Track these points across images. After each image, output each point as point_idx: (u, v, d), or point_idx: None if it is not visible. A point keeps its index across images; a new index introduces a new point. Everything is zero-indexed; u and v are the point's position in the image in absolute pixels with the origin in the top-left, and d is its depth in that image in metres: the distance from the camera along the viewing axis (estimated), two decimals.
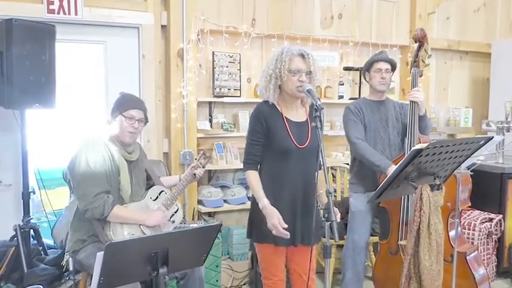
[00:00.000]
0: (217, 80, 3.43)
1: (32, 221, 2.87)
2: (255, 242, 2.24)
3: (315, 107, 1.92)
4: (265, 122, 2.14)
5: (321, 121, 1.90)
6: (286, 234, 2.02)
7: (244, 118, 3.49)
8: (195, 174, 2.55)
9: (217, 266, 3.19)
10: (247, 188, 3.47)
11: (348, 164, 3.32)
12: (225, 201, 3.44)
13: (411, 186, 2.02)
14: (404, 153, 2.62)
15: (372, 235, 2.95)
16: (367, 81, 2.86)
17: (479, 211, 3.57)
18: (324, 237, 1.75)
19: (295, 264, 2.27)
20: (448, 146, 1.91)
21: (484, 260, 3.41)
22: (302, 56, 2.09)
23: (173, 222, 2.50)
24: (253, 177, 2.17)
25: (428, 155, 1.87)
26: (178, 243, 1.75)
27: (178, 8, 3.25)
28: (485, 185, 3.46)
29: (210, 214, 3.49)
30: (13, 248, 2.80)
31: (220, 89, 3.44)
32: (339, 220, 2.14)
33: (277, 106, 2.18)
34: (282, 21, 3.68)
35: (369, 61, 2.82)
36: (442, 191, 2.14)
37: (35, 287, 2.44)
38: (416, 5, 4.09)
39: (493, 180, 3.58)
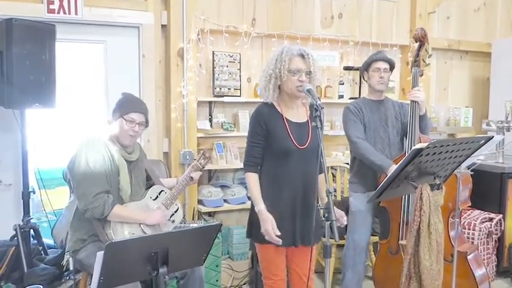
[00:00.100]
0: (217, 79, 3.43)
1: (32, 220, 2.87)
2: (255, 242, 2.24)
3: (315, 106, 1.92)
4: (265, 123, 2.14)
5: (321, 121, 1.90)
6: (278, 241, 2.04)
7: (244, 118, 3.49)
8: (191, 178, 2.55)
9: (217, 266, 3.20)
10: (247, 187, 3.47)
11: (348, 163, 3.32)
12: (225, 201, 3.44)
13: (411, 185, 2.02)
14: (405, 153, 2.62)
15: (372, 235, 2.94)
16: (366, 81, 2.87)
17: (480, 211, 3.57)
18: (324, 237, 1.75)
19: (295, 264, 2.27)
20: (448, 145, 1.91)
21: (484, 259, 3.41)
22: (302, 56, 2.09)
23: (173, 221, 2.50)
24: (252, 179, 2.18)
25: (428, 154, 1.87)
26: (178, 243, 1.75)
27: (179, 7, 3.25)
28: (486, 185, 3.46)
29: (210, 214, 3.49)
30: (13, 248, 2.80)
31: (220, 88, 3.44)
32: (345, 223, 2.15)
33: (277, 107, 2.18)
34: (282, 21, 3.67)
35: (367, 61, 2.82)
36: (442, 190, 2.14)
37: (35, 286, 2.44)
38: (416, 5, 4.09)
39: (493, 179, 3.57)
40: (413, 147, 1.90)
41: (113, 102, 2.38)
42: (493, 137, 2.10)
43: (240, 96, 3.51)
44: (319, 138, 1.87)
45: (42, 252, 2.96)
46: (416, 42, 2.80)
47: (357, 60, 3.91)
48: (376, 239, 3.07)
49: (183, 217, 3.04)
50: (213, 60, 3.42)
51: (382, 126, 2.78)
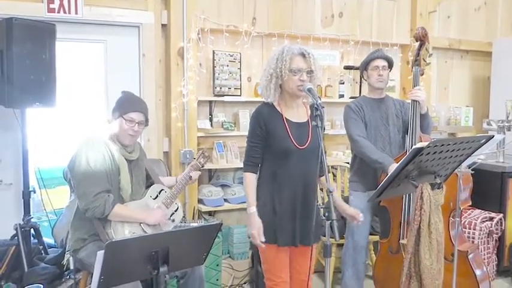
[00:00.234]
0: (217, 79, 3.42)
1: (32, 220, 2.87)
2: None
3: (315, 106, 1.92)
4: (265, 124, 2.14)
5: (321, 120, 1.90)
6: (261, 246, 2.10)
7: (245, 117, 3.49)
8: (190, 176, 2.55)
9: (217, 265, 3.20)
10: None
11: (348, 163, 3.31)
12: (225, 200, 3.44)
13: (412, 185, 2.01)
14: (406, 152, 2.62)
15: (372, 234, 2.94)
16: (365, 80, 2.87)
17: (480, 210, 3.57)
18: (324, 236, 1.75)
19: (295, 263, 2.26)
20: (448, 144, 1.91)
21: (484, 259, 3.40)
22: (303, 55, 2.09)
23: (173, 221, 2.50)
24: (249, 180, 2.19)
25: (429, 153, 1.87)
26: (178, 242, 1.75)
27: (179, 7, 3.24)
28: (486, 184, 3.45)
29: (210, 213, 3.49)
30: (13, 247, 2.80)
31: (220, 88, 3.44)
32: (361, 219, 2.19)
33: (277, 107, 2.17)
34: (282, 20, 3.67)
35: (365, 60, 2.82)
36: (442, 189, 2.14)
37: (36, 286, 2.44)
38: (417, 4, 4.09)
39: (494, 179, 3.57)
40: (413, 147, 1.90)
41: (113, 102, 2.38)
42: (493, 136, 2.10)
43: (240, 95, 3.51)
44: (320, 138, 1.87)
45: (42, 252, 2.96)
46: (417, 41, 2.80)
47: (358, 60, 3.89)
48: (376, 238, 3.06)
49: (183, 216, 3.04)
50: (214, 60, 3.42)
51: (383, 125, 2.78)
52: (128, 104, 2.34)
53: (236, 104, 3.56)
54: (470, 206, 3.11)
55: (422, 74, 2.79)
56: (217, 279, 3.20)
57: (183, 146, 3.32)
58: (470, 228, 3.41)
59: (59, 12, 2.99)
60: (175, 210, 2.52)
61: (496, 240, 3.52)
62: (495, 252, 3.55)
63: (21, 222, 2.81)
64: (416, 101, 2.66)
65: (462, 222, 3.31)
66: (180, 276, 2.37)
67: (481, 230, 3.39)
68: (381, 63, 2.75)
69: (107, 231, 2.24)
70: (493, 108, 4.28)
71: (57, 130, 3.26)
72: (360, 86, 3.95)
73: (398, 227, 2.65)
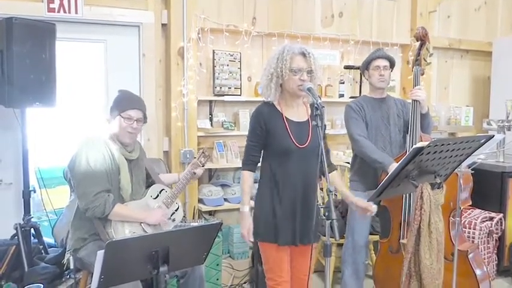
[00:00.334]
0: (217, 78, 3.42)
1: (32, 219, 2.87)
2: (258, 241, 2.23)
3: (315, 105, 1.92)
4: (265, 123, 2.15)
5: (321, 119, 1.90)
6: (249, 243, 2.22)
7: (245, 117, 3.49)
8: (194, 173, 2.55)
9: (217, 265, 3.20)
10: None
11: (348, 162, 3.31)
12: (225, 199, 3.44)
13: (412, 184, 2.01)
14: (406, 152, 2.62)
15: (372, 234, 2.94)
16: (367, 79, 2.86)
17: (480, 210, 3.57)
18: (323, 236, 1.75)
19: (294, 263, 2.27)
20: (448, 144, 1.91)
21: (484, 258, 3.40)
22: (303, 54, 2.09)
23: (173, 220, 2.50)
24: (246, 178, 2.22)
25: (429, 153, 1.87)
26: (178, 242, 1.75)
27: (179, 6, 3.24)
28: (486, 184, 3.45)
29: (210, 213, 3.49)
30: (14, 247, 2.80)
31: (220, 87, 3.44)
32: (375, 212, 2.23)
33: (277, 106, 2.18)
34: (282, 20, 3.67)
35: (367, 59, 2.81)
36: (442, 189, 2.14)
37: (36, 285, 2.44)
38: (417, 4, 4.09)
39: (494, 179, 3.57)
40: (413, 146, 1.90)
41: (112, 101, 2.38)
42: (493, 136, 2.10)
43: (240, 95, 3.51)
44: (320, 137, 1.87)
45: (42, 251, 2.96)
46: (417, 41, 2.79)
47: (358, 59, 3.90)
48: (376, 238, 3.06)
49: (184, 216, 3.04)
50: (214, 59, 3.42)
51: (383, 124, 2.78)
52: (125, 102, 2.34)
53: (236, 104, 3.56)
54: (470, 205, 3.11)
55: (422, 74, 2.79)
56: (217, 279, 3.20)
57: (183, 146, 3.32)
58: (470, 228, 3.41)
59: (59, 11, 2.99)
60: (176, 210, 2.52)
61: (496, 240, 3.52)
62: (495, 252, 3.55)
63: (22, 222, 2.81)
64: (416, 100, 2.66)
65: (462, 222, 3.31)
66: (180, 276, 2.37)
67: (481, 230, 3.39)
68: (382, 63, 2.75)
69: (107, 231, 2.24)
70: (493, 108, 4.28)
71: (57, 130, 3.26)
72: (360, 85, 3.95)
73: (399, 226, 2.65)
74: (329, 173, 2.26)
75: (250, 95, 3.59)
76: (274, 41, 3.60)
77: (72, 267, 2.41)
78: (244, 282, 3.43)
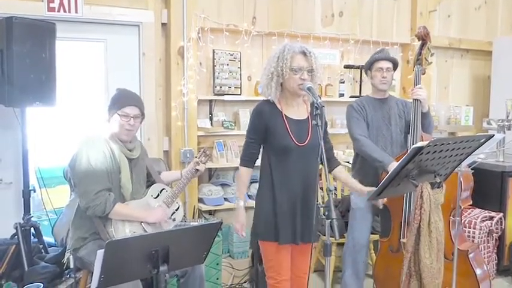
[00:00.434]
0: (217, 78, 3.42)
1: (32, 219, 2.87)
2: (259, 239, 2.23)
3: (315, 105, 1.92)
4: (265, 121, 2.15)
5: (321, 119, 1.90)
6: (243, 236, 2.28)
7: (245, 116, 3.49)
8: (197, 170, 2.55)
9: (217, 264, 3.20)
10: (248, 186, 3.47)
11: (348, 162, 3.32)
12: (225, 199, 3.45)
13: (412, 184, 2.01)
14: (407, 151, 2.62)
15: (372, 233, 2.94)
16: (369, 79, 2.86)
17: (480, 209, 3.57)
18: (323, 235, 1.75)
19: (294, 261, 2.27)
20: (448, 144, 1.91)
21: (484, 258, 3.40)
22: (304, 53, 2.09)
23: (174, 220, 2.50)
24: (243, 174, 2.26)
25: (429, 153, 1.87)
26: (178, 241, 1.75)
27: (179, 6, 3.24)
28: (486, 183, 3.45)
29: (210, 212, 3.49)
30: (14, 246, 2.80)
31: (220, 87, 3.44)
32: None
33: (277, 104, 2.18)
34: (282, 19, 3.67)
35: (370, 60, 2.81)
36: (442, 189, 2.14)
37: (36, 285, 2.44)
38: (417, 3, 4.09)
39: (494, 178, 3.57)
40: (413, 146, 1.90)
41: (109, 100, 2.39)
42: (493, 135, 2.10)
43: (240, 94, 3.51)
44: (320, 137, 1.87)
45: (42, 251, 2.96)
46: (418, 40, 2.79)
47: (358, 59, 3.91)
48: (376, 237, 3.06)
49: (184, 215, 3.04)
50: (214, 59, 3.41)
51: (385, 125, 2.78)
52: (121, 99, 2.34)
53: (236, 103, 3.56)
54: (470, 205, 3.11)
55: (424, 73, 2.79)
56: (217, 278, 3.20)
57: (183, 145, 3.32)
58: (470, 228, 3.41)
59: (59, 11, 2.99)
60: (176, 210, 2.52)
61: (496, 239, 3.52)
62: (495, 251, 3.55)
63: (22, 221, 2.81)
64: (417, 99, 2.66)
65: (462, 221, 3.31)
66: (181, 275, 2.37)
67: (481, 229, 3.39)
68: (385, 64, 2.74)
69: (108, 230, 2.24)
70: (493, 107, 4.28)
71: (57, 129, 3.26)
72: (360, 85, 3.95)
73: (399, 225, 2.65)
74: (334, 168, 2.28)
75: (250, 94, 3.59)
76: (274, 41, 3.60)
77: (72, 266, 2.41)
78: (244, 282, 3.44)
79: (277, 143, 2.14)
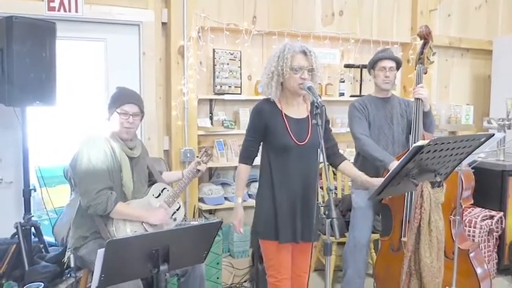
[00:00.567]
0: (217, 77, 3.42)
1: (33, 218, 2.87)
2: (260, 238, 2.24)
3: (315, 104, 1.92)
4: (265, 120, 2.15)
5: (321, 118, 1.90)
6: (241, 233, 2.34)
7: (245, 115, 3.49)
8: (198, 170, 2.55)
9: (218, 263, 3.20)
10: (248, 185, 3.47)
11: (349, 161, 3.31)
12: (225, 198, 3.45)
13: (412, 183, 2.01)
14: (408, 150, 2.62)
15: (372, 232, 2.94)
16: (372, 78, 2.86)
17: (480, 208, 3.57)
18: (323, 234, 1.75)
19: (295, 260, 2.27)
20: (449, 143, 1.91)
21: (484, 257, 3.40)
22: (304, 53, 2.09)
23: (175, 219, 2.50)
24: (242, 171, 2.27)
25: (429, 152, 1.87)
26: (179, 241, 1.75)
27: (179, 5, 3.24)
28: (486, 182, 3.45)
29: (210, 211, 3.50)
30: (14, 246, 2.80)
31: (220, 86, 3.43)
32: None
33: (277, 103, 2.18)
34: (282, 19, 3.67)
35: (373, 59, 2.80)
36: (442, 188, 2.14)
37: (36, 284, 2.44)
38: (417, 2, 4.09)
39: (494, 177, 3.57)
40: (414, 145, 1.90)
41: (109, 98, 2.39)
42: (493, 134, 2.10)
43: (240, 94, 3.51)
44: (320, 136, 1.87)
45: (43, 250, 2.96)
46: (420, 39, 2.79)
47: (358, 58, 3.91)
48: (377, 236, 3.06)
49: (184, 215, 3.04)
50: (214, 58, 3.41)
51: (387, 124, 2.78)
52: (121, 97, 2.34)
53: (236, 103, 3.56)
54: (471, 204, 3.11)
55: (425, 73, 2.79)
56: (217, 278, 3.20)
57: (184, 145, 3.32)
58: (470, 227, 3.41)
59: (59, 10, 2.99)
60: (177, 209, 2.52)
61: (496, 238, 3.52)
62: (495, 250, 3.55)
63: (22, 221, 2.81)
64: (419, 98, 2.66)
65: (462, 220, 3.31)
66: (181, 275, 2.37)
67: (481, 228, 3.39)
68: (388, 64, 2.74)
69: (109, 229, 2.24)
70: (494, 106, 4.28)
71: (58, 128, 3.26)
72: (360, 84, 3.95)
73: (400, 224, 2.65)
74: (340, 163, 2.28)
75: (250, 93, 3.59)
76: (275, 40, 3.59)
77: (72, 265, 2.41)
78: (245, 281, 3.44)
79: (276, 141, 2.14)
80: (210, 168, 3.55)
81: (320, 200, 3.21)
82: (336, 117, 3.87)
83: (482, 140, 2.05)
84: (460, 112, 4.30)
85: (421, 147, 1.82)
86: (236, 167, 3.54)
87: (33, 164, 2.96)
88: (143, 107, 2.39)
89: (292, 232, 2.15)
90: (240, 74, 3.51)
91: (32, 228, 2.86)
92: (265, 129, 2.16)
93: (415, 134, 2.66)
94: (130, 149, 2.37)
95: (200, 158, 2.58)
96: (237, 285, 3.41)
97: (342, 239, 2.93)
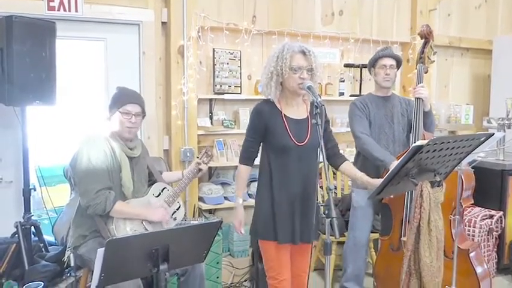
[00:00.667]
0: (217, 77, 3.42)
1: (32, 217, 2.87)
2: (259, 239, 2.24)
3: (315, 104, 1.92)
4: (264, 121, 2.15)
5: (321, 118, 1.90)
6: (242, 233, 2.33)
7: (245, 115, 3.49)
8: (200, 169, 2.55)
9: (217, 263, 3.20)
10: (248, 185, 3.48)
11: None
12: (225, 198, 3.45)
13: (412, 182, 2.02)
14: (408, 149, 2.62)
15: (372, 232, 2.95)
16: (373, 77, 2.86)
17: (480, 208, 3.57)
18: (323, 234, 1.75)
19: (294, 261, 2.27)
20: (448, 142, 1.91)
21: (484, 256, 3.41)
22: (303, 52, 2.09)
23: (175, 219, 2.50)
24: (242, 171, 2.28)
25: (429, 151, 1.87)
26: (179, 240, 1.75)
27: (179, 4, 3.24)
28: (486, 182, 3.45)
29: (210, 211, 3.50)
30: (14, 245, 2.81)
31: (220, 86, 3.44)
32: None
33: (277, 104, 2.18)
34: (282, 18, 3.67)
35: (373, 57, 2.81)
36: (442, 187, 2.14)
37: (36, 283, 2.44)
38: (417, 2, 4.08)
39: (494, 177, 3.57)
40: (413, 144, 1.90)
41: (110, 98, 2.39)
42: (493, 134, 2.10)
43: (240, 93, 3.51)
44: (320, 136, 1.87)
45: (43, 249, 2.96)
46: (421, 39, 2.79)
47: (358, 58, 3.91)
48: (376, 236, 3.07)
49: (184, 214, 3.04)
50: (214, 58, 3.41)
51: (387, 123, 2.78)
52: (123, 97, 2.34)
53: (236, 102, 3.56)
54: (471, 203, 3.11)
55: (426, 72, 2.79)
56: (217, 277, 3.20)
57: (183, 144, 3.32)
58: (470, 226, 3.41)
59: (59, 10, 2.99)
60: (177, 209, 2.53)
61: (496, 238, 3.52)
62: (495, 250, 3.55)
63: (22, 220, 2.81)
64: (419, 98, 2.66)
65: (462, 220, 3.31)
66: (181, 274, 2.38)
67: (481, 228, 3.39)
68: (389, 62, 2.74)
69: (109, 228, 2.24)
70: (493, 106, 4.28)
71: (57, 128, 3.26)
72: (360, 83, 3.94)
73: (400, 224, 2.66)
74: (341, 163, 2.28)
75: (250, 93, 3.59)
76: (274, 39, 3.59)
77: (72, 264, 2.42)
78: (245, 280, 3.44)
79: (276, 142, 2.14)
80: (210, 168, 3.55)
81: (320, 199, 3.21)
82: (336, 117, 3.87)
83: (482, 139, 2.05)
84: (459, 112, 4.30)
85: (420, 147, 1.82)
86: (236, 166, 3.56)
87: (33, 164, 2.96)
88: (145, 107, 2.40)
89: (291, 233, 2.15)
90: (240, 73, 3.51)
91: (32, 228, 2.86)
92: (265, 129, 2.16)
93: (416, 133, 2.66)
94: (131, 149, 2.38)
95: (200, 158, 2.59)
96: (237, 285, 3.41)
97: (342, 239, 2.93)
